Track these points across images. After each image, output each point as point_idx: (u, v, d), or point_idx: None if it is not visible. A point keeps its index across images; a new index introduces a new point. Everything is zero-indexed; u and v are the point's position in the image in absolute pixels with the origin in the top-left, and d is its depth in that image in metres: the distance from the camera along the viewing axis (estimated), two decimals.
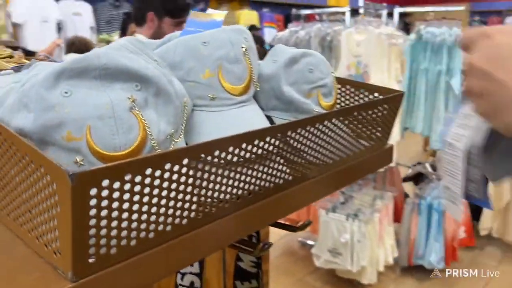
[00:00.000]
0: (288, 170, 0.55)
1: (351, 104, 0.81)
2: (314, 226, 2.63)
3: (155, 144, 0.45)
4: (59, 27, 4.74)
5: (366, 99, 0.79)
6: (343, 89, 0.82)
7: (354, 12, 2.78)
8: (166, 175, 0.39)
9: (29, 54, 1.97)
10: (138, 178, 0.37)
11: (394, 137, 2.34)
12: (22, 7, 4.46)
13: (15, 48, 1.04)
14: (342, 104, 0.82)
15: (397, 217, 2.60)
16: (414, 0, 7.71)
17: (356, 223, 2.22)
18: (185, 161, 0.40)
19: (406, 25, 6.06)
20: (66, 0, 4.82)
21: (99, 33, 4.84)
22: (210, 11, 0.72)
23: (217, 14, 0.69)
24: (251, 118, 0.59)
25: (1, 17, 1.09)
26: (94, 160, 0.42)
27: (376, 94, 0.77)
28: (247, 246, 0.61)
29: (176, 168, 0.40)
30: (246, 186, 0.49)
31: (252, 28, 6.10)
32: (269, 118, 0.68)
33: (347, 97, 0.82)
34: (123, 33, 1.86)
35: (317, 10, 2.94)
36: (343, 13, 2.73)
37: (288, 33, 2.73)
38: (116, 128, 0.42)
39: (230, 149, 0.45)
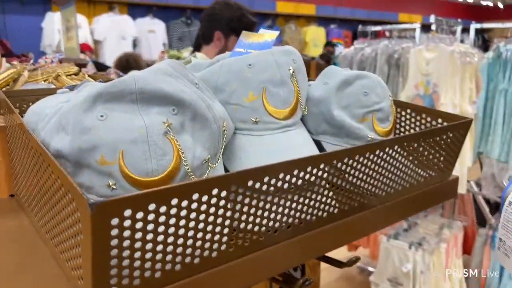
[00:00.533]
0: (333, 202, 0.51)
1: (412, 131, 0.74)
2: (374, 252, 2.50)
3: (189, 170, 0.43)
4: (135, 44, 5.05)
5: (428, 125, 0.72)
6: (403, 113, 0.76)
7: (426, 28, 2.64)
8: (194, 205, 0.37)
9: (100, 69, 2.10)
10: (163, 209, 0.35)
11: (467, 162, 2.17)
12: (104, 26, 4.82)
13: (84, 65, 1.10)
14: (402, 129, 0.76)
15: (467, 249, 2.39)
16: (494, 14, 7.24)
17: (420, 253, 2.06)
18: (215, 191, 0.38)
19: (484, 41, 5.68)
20: (142, 18, 5.12)
21: (170, 49, 5.08)
22: (262, 31, 0.71)
23: (269, 35, 0.67)
24: (296, 144, 0.55)
25: (73, 36, 1.18)
26: (126, 185, 0.41)
27: (439, 120, 0.70)
28: (288, 280, 0.57)
29: (204, 198, 0.38)
30: (284, 219, 0.46)
31: (328, 44, 6.05)
32: (318, 143, 0.64)
33: (408, 122, 0.76)
34: (196, 50, 1.91)
35: (388, 26, 2.83)
36: (414, 30, 2.61)
37: (353, 50, 2.66)
38: (149, 153, 0.41)
39: (266, 179, 0.42)
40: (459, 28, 2.30)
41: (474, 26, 2.35)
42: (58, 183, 0.38)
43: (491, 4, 7.55)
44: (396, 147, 0.55)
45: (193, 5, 5.34)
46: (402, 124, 0.76)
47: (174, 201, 0.36)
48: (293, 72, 0.56)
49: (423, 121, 0.73)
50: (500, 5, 7.51)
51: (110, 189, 0.41)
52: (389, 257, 2.17)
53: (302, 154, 0.50)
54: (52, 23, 4.45)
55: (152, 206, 0.34)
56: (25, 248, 0.49)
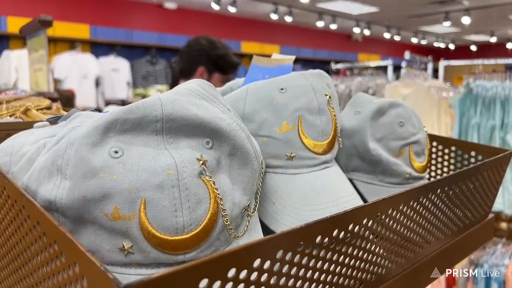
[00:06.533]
0: (382, 261, 0.41)
1: (445, 166, 0.67)
2: None
3: (228, 223, 0.33)
4: (97, 82, 4.89)
5: (459, 158, 0.65)
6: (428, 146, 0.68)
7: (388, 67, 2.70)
8: (254, 276, 0.26)
9: (68, 106, 1.94)
10: (217, 284, 0.24)
11: None
12: (64, 65, 4.65)
13: (55, 99, 0.97)
14: (433, 166, 0.69)
15: (450, 287, 2.33)
16: (445, 54, 7.67)
17: None
18: (279, 254, 0.28)
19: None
20: (105, 57, 5.00)
21: (135, 88, 4.96)
22: (275, 56, 0.63)
23: (286, 59, 0.59)
24: (339, 184, 0.46)
25: (42, 68, 1.06)
26: (147, 247, 0.30)
27: (473, 153, 0.64)
28: None
29: (267, 265, 0.27)
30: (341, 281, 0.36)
31: None
32: (350, 181, 0.55)
33: (434, 156, 0.68)
34: (175, 84, 1.80)
35: (357, 64, 2.87)
36: (379, 68, 2.65)
37: None
38: (180, 201, 0.30)
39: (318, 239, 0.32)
40: (430, 65, 2.34)
41: (443, 63, 2.41)
42: (55, 250, 0.26)
43: (443, 46, 8.02)
44: (457, 184, 0.47)
45: (158, 44, 5.28)
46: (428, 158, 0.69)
47: (232, 273, 0.25)
48: (329, 98, 0.48)
49: (452, 155, 0.66)
50: (451, 46, 7.99)
51: (124, 253, 0.30)
52: None
53: (350, 199, 0.41)
54: (9, 62, 4.23)
55: (203, 283, 0.23)
56: None
